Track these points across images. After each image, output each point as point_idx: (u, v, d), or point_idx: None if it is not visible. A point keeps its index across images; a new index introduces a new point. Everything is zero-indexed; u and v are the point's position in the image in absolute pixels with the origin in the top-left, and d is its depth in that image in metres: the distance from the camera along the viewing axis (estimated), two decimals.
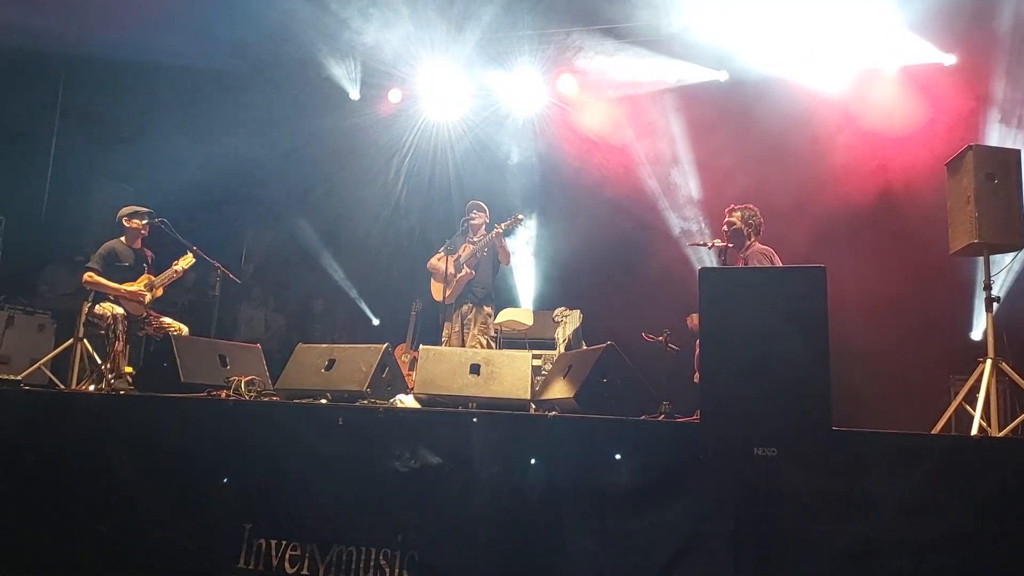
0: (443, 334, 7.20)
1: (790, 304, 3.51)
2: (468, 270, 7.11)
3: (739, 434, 3.44)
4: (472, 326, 7.08)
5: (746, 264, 5.58)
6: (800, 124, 8.07)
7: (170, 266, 6.52)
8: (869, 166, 7.83)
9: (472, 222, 7.28)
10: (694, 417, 4.24)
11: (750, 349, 3.47)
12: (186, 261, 6.52)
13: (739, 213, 5.73)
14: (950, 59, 7.71)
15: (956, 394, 5.02)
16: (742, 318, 3.53)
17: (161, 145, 8.98)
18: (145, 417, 4.48)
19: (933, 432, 4.70)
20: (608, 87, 8.93)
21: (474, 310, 7.13)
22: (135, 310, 6.30)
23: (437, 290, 7.28)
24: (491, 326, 7.29)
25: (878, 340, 7.26)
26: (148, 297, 6.38)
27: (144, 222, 6.51)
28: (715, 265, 5.89)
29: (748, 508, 3.46)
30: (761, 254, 5.52)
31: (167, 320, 6.41)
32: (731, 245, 5.72)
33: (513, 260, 8.07)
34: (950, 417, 4.88)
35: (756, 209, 5.76)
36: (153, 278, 6.46)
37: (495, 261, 7.32)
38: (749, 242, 5.68)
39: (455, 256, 7.16)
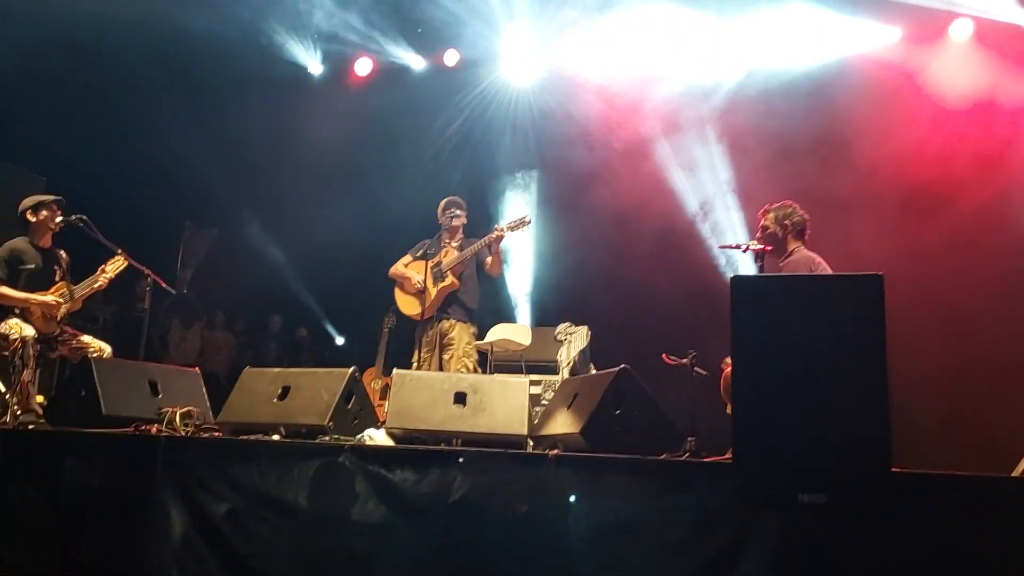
0: (413, 357, 7.09)
1: (841, 319, 3.53)
2: (453, 279, 7.01)
3: (780, 476, 3.46)
4: (456, 347, 6.96)
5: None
6: (852, 100, 8.11)
7: (95, 272, 6.39)
8: (940, 151, 7.83)
9: (454, 222, 7.19)
10: (725, 456, 4.25)
11: (792, 374, 3.48)
12: (114, 265, 6.39)
13: (773, 214, 5.73)
14: None
15: None
16: (782, 336, 3.55)
17: (79, 128, 8.94)
18: (59, 457, 4.46)
19: (1014, 474, 4.71)
20: (617, 68, 8.98)
21: (457, 327, 7.00)
22: (47, 327, 6.24)
23: (407, 303, 7.15)
24: (475, 349, 7.25)
25: (947, 363, 7.28)
26: (64, 310, 6.32)
27: (59, 219, 6.40)
28: (751, 272, 5.89)
29: (791, 566, 3.46)
30: (803, 261, 5.53)
31: (86, 338, 6.35)
32: (769, 249, 5.73)
33: (507, 266, 8.03)
34: None
35: (795, 206, 5.74)
36: (71, 286, 6.38)
37: (480, 270, 7.20)
38: (791, 246, 5.69)
39: (434, 261, 7.06)
